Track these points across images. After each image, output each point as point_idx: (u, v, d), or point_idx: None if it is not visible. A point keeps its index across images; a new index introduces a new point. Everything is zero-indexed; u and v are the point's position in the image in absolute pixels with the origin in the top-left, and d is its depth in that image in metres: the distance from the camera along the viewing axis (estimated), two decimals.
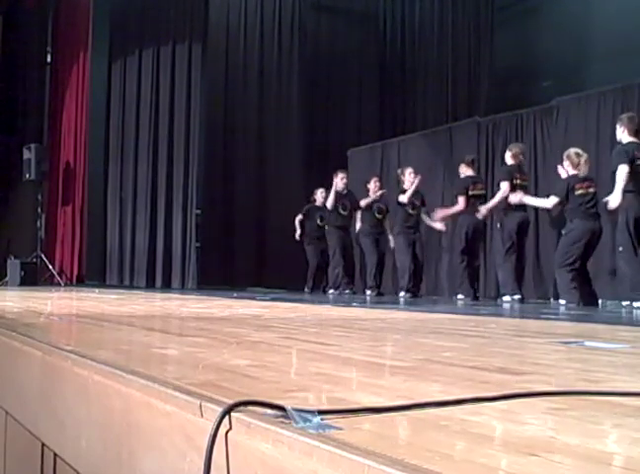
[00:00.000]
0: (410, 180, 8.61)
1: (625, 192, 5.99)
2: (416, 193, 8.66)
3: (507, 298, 7.25)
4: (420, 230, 8.88)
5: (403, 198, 8.53)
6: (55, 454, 1.79)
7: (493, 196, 7.70)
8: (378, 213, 9.04)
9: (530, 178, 8.42)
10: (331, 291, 9.38)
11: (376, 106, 12.76)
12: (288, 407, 1.03)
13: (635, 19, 9.51)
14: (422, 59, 12.54)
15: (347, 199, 9.31)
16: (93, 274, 10.98)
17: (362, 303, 6.74)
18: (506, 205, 7.21)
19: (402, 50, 12.81)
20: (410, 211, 8.75)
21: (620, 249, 6.08)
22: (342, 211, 9.30)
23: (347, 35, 12.70)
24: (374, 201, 9.12)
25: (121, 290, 8.88)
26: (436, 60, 12.43)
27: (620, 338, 2.88)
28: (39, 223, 10.71)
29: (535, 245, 8.34)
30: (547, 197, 6.92)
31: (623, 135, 6.17)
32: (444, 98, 12.31)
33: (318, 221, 9.83)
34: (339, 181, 9.31)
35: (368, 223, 9.14)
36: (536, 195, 8.33)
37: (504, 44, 12.11)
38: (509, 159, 7.44)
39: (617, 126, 6.25)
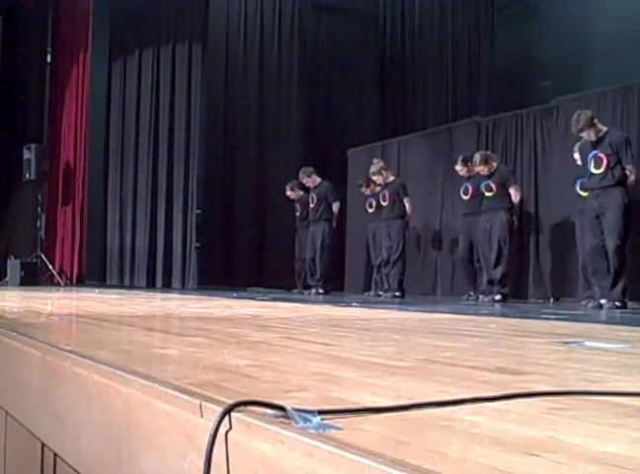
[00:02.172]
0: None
1: None
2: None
3: (498, 297, 7.39)
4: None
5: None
6: (55, 454, 1.79)
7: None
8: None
9: (530, 178, 8.44)
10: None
11: (376, 106, 12.76)
12: (288, 407, 1.03)
13: (635, 19, 9.51)
14: (422, 59, 12.54)
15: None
16: (93, 274, 10.98)
17: (362, 303, 6.74)
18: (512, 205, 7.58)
19: (402, 50, 12.80)
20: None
21: None
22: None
23: (347, 35, 12.69)
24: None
25: (122, 290, 8.88)
26: (436, 60, 12.43)
27: (620, 338, 2.88)
28: (39, 223, 10.71)
29: (535, 245, 8.34)
30: None
31: None
32: (444, 98, 12.32)
33: (297, 213, 10.23)
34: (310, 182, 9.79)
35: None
36: (536, 195, 8.35)
37: (504, 44, 12.11)
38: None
39: None
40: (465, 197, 8.26)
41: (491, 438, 0.95)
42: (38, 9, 11.36)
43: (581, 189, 6.75)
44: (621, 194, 6.05)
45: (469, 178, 8.20)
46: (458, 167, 8.27)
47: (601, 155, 6.11)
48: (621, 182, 6.07)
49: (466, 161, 8.16)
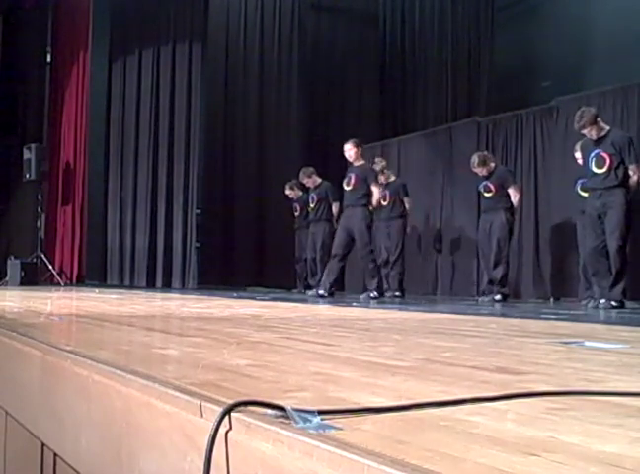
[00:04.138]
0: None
1: None
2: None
3: (498, 297, 7.40)
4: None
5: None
6: (55, 454, 1.79)
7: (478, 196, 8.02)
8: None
9: (530, 178, 8.44)
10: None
11: (376, 106, 12.76)
12: (288, 407, 1.03)
13: (635, 19, 9.51)
14: (422, 59, 12.54)
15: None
16: (93, 274, 10.98)
17: (362, 303, 6.75)
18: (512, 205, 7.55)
19: (402, 50, 12.81)
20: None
21: None
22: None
23: (347, 35, 12.70)
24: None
25: (122, 290, 8.88)
26: (436, 60, 12.43)
27: (620, 338, 2.88)
28: (39, 223, 10.71)
29: (535, 245, 8.34)
30: None
31: None
32: (444, 98, 12.31)
33: (296, 213, 10.26)
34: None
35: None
36: (536, 195, 8.35)
37: (504, 44, 12.11)
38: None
39: None
40: (347, 188, 7.98)
41: (491, 438, 0.95)
42: (38, 9, 11.36)
43: (582, 189, 6.74)
44: (623, 194, 6.04)
45: (351, 165, 8.08)
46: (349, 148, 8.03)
47: (604, 155, 6.09)
48: (624, 182, 6.06)
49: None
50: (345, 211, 8.11)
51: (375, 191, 7.83)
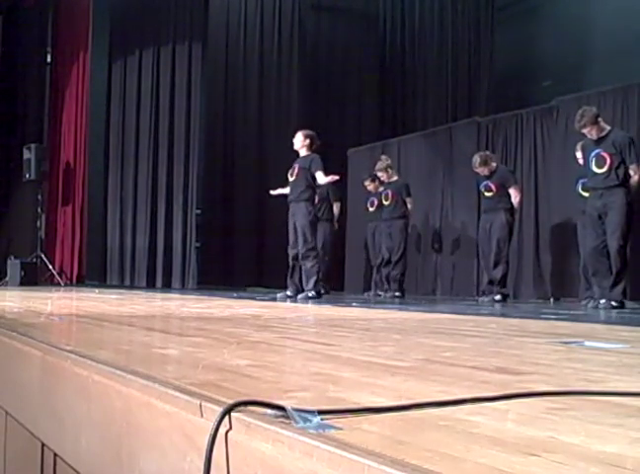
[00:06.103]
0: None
1: None
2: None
3: (498, 297, 7.39)
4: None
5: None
6: (55, 454, 1.79)
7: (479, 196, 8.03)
8: None
9: (530, 178, 8.44)
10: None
11: (376, 106, 12.76)
12: (288, 407, 1.03)
13: (635, 19, 9.51)
14: (422, 59, 12.54)
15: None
16: (93, 274, 10.99)
17: (362, 303, 6.74)
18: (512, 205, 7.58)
19: (402, 50, 12.81)
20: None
21: None
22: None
23: (347, 35, 12.70)
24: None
25: (122, 290, 8.88)
26: (436, 60, 12.44)
27: (620, 338, 2.87)
28: (39, 223, 10.71)
29: (535, 245, 8.34)
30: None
31: None
32: (444, 98, 12.32)
33: None
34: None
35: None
36: (536, 195, 8.35)
37: (504, 44, 12.12)
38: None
39: None
40: (291, 179, 7.78)
41: (491, 438, 0.95)
42: (38, 9, 11.36)
43: (583, 189, 6.74)
44: (624, 193, 6.04)
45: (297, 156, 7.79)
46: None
47: (604, 154, 6.09)
48: (624, 182, 6.06)
49: None
50: (290, 207, 7.76)
51: (319, 174, 7.20)
